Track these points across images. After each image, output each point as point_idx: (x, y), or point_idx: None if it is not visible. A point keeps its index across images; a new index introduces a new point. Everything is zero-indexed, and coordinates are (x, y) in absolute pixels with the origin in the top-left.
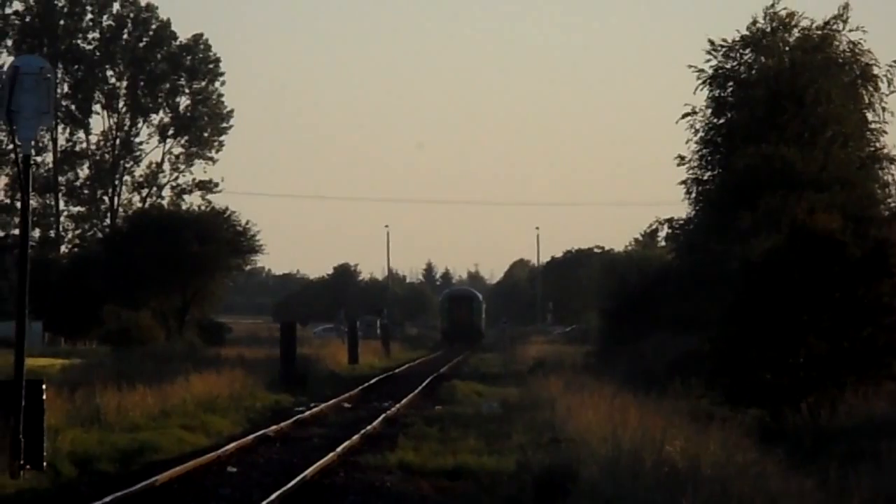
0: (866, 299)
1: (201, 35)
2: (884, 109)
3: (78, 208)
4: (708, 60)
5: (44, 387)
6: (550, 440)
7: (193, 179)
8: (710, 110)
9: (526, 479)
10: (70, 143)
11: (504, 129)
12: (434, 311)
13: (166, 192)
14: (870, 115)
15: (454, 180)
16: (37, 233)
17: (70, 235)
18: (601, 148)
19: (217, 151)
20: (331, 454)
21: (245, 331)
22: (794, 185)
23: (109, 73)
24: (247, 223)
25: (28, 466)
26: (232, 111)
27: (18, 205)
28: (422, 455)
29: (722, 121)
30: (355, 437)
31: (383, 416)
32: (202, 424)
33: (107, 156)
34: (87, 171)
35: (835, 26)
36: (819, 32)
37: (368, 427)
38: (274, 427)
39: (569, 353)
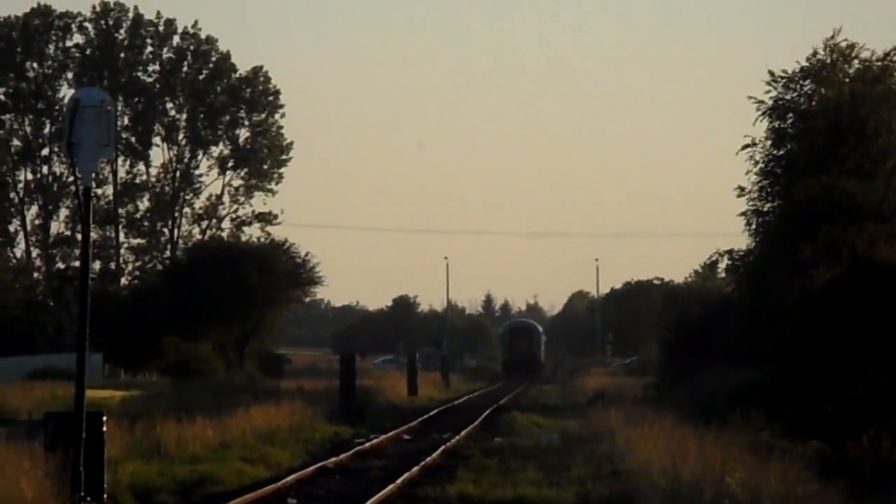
0: None
1: (261, 67)
2: None
3: (138, 240)
4: (768, 92)
5: (104, 418)
6: (610, 472)
7: (253, 211)
8: (769, 141)
9: None
10: (130, 176)
11: (564, 160)
12: (493, 342)
13: (226, 224)
14: None
15: (513, 212)
16: (97, 265)
17: (130, 267)
18: (661, 179)
19: (277, 183)
20: (390, 486)
21: (304, 362)
22: (855, 216)
23: (169, 105)
24: (306, 255)
25: (89, 499)
26: (291, 143)
27: (79, 237)
28: (481, 487)
29: (782, 152)
30: (415, 469)
31: (443, 447)
32: (262, 456)
33: (167, 188)
34: (147, 203)
35: (894, 58)
36: (879, 64)
37: (428, 459)
38: (333, 459)
39: (628, 384)
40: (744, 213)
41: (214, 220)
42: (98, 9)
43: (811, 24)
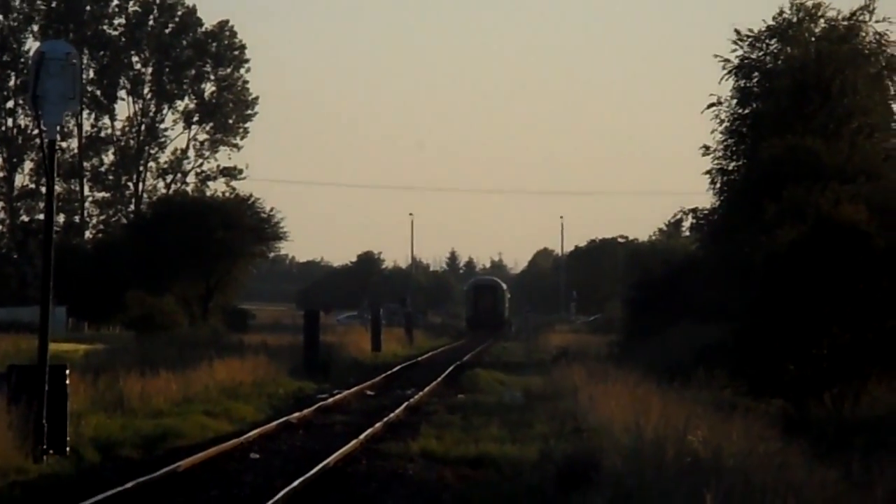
0: (890, 290)
1: (227, 22)
2: None
3: (102, 194)
4: (734, 50)
5: (67, 372)
6: (573, 429)
7: (218, 166)
8: (735, 100)
9: (548, 468)
10: (95, 129)
11: (529, 118)
12: (457, 299)
13: (191, 179)
14: (895, 107)
15: (478, 168)
16: (61, 218)
17: (94, 221)
18: (626, 137)
19: (242, 138)
20: (353, 441)
21: (268, 318)
22: (819, 175)
23: (135, 58)
24: (271, 210)
25: (51, 451)
26: (257, 98)
27: (43, 190)
28: (444, 443)
29: (747, 111)
30: (378, 425)
31: (406, 403)
32: (225, 411)
33: (132, 142)
34: (111, 157)
35: (861, 17)
36: (845, 23)
37: (391, 415)
38: (297, 414)
39: (592, 342)
40: (709, 172)
41: (179, 175)
42: None
43: None
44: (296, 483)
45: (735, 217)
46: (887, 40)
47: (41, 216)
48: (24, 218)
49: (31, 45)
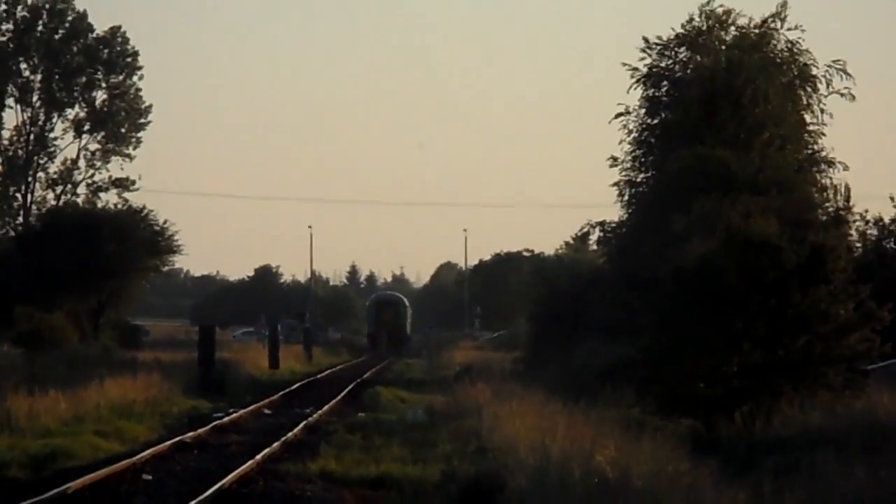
0: (803, 306)
1: (119, 27)
2: (822, 111)
3: None
4: (642, 59)
5: None
6: (477, 449)
7: (110, 177)
8: (643, 110)
9: (451, 489)
10: None
11: (430, 130)
12: (358, 314)
13: (81, 190)
14: (808, 117)
15: (380, 180)
16: None
17: None
18: (531, 148)
19: (134, 148)
20: (250, 462)
21: (162, 334)
22: (730, 187)
23: (23, 65)
24: (165, 222)
25: None
26: (150, 106)
27: None
28: (344, 463)
29: (656, 121)
30: (275, 445)
31: (304, 422)
32: (117, 430)
33: (20, 151)
34: None
35: (772, 25)
36: (756, 31)
37: (289, 434)
38: (191, 433)
39: (497, 359)
40: (616, 184)
41: (70, 186)
42: None
43: None
44: None
45: (643, 230)
46: (799, 49)
47: None
48: None
49: None
